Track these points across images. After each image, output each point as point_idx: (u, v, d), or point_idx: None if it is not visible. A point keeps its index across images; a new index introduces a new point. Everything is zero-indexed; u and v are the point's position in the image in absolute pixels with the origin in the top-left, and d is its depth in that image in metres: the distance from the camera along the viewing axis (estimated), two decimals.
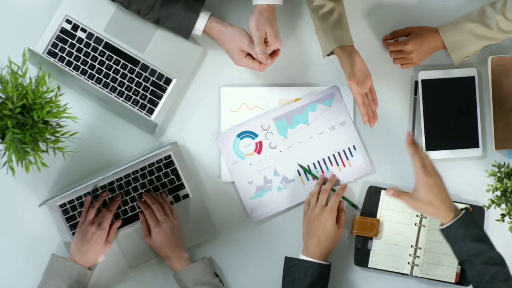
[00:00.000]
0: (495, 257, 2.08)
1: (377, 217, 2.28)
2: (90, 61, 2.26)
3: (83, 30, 2.26)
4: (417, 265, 2.26)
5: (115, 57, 2.26)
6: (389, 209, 2.28)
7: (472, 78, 2.30)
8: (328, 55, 2.18)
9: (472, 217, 2.10)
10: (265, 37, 2.18)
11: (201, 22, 2.21)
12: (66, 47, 2.26)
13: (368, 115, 2.17)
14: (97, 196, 2.26)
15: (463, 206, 2.26)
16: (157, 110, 2.27)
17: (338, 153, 2.30)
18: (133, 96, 2.27)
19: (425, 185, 2.09)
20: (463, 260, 2.09)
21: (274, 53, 2.22)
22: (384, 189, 2.28)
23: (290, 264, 2.20)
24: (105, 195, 2.25)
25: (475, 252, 2.06)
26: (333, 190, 2.27)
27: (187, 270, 2.20)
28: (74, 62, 2.26)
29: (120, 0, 2.22)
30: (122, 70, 2.27)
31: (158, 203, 2.25)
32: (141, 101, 2.27)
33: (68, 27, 2.26)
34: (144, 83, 2.27)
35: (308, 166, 2.30)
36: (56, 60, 2.25)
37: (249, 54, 2.21)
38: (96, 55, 2.26)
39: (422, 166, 2.10)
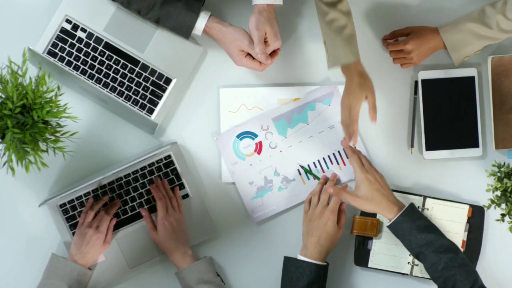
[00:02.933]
0: (446, 244, 2.10)
1: (377, 217, 2.28)
2: (90, 61, 2.26)
3: (83, 30, 2.26)
4: (417, 265, 2.26)
5: (115, 57, 2.27)
6: None
7: (472, 78, 2.30)
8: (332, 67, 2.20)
9: (416, 209, 2.14)
10: (265, 36, 2.18)
11: (201, 21, 2.21)
12: (66, 47, 2.26)
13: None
14: (98, 197, 2.26)
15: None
16: (157, 110, 2.27)
17: (338, 151, 2.30)
18: (133, 96, 2.27)
19: (365, 181, 2.17)
20: (416, 253, 2.12)
21: (274, 53, 2.22)
22: None
23: (288, 264, 2.20)
24: (105, 198, 2.25)
25: (425, 242, 2.10)
26: None
27: (190, 269, 2.20)
28: (74, 62, 2.26)
29: (121, 0, 2.22)
30: (122, 70, 2.27)
31: (169, 196, 2.25)
32: (141, 101, 2.27)
33: (68, 27, 2.26)
34: (144, 83, 2.27)
35: (308, 165, 2.30)
36: (56, 60, 2.26)
37: (249, 54, 2.21)
38: (96, 55, 2.26)
39: (360, 165, 2.19)
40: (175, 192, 2.27)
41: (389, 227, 2.15)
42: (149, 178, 2.27)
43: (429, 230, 2.11)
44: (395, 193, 2.27)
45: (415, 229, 2.11)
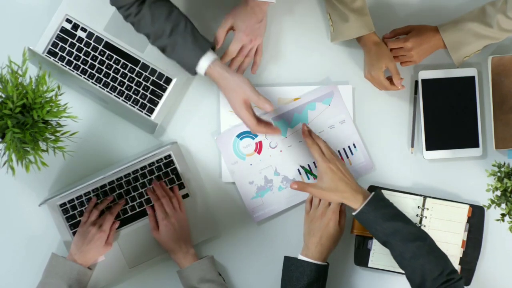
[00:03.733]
0: (413, 232, 2.09)
1: None
2: (90, 61, 2.26)
3: (83, 30, 2.26)
4: None
5: (115, 56, 2.27)
6: None
7: (472, 78, 2.30)
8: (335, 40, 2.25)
9: (382, 198, 2.13)
10: (233, 28, 2.20)
11: (205, 61, 2.13)
12: (66, 46, 2.26)
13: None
14: (98, 196, 2.26)
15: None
16: (157, 109, 2.27)
17: (339, 151, 2.30)
18: (133, 96, 2.27)
19: (327, 171, 2.15)
20: (383, 242, 2.11)
21: (268, 126, 2.18)
22: (384, 188, 2.28)
23: (289, 263, 2.19)
24: (110, 198, 2.25)
25: (391, 231, 2.09)
26: None
27: (192, 267, 2.20)
28: (74, 61, 2.26)
29: (131, 20, 2.15)
30: (122, 70, 2.27)
31: (168, 196, 2.25)
32: (141, 100, 2.27)
33: (68, 26, 2.26)
34: (144, 83, 2.27)
35: (308, 165, 2.30)
36: (56, 59, 2.26)
37: (250, 108, 2.15)
38: (96, 54, 2.26)
39: (321, 154, 2.16)
40: (174, 191, 2.26)
41: (355, 217, 2.14)
42: (149, 177, 2.27)
43: (396, 218, 2.11)
44: (395, 193, 2.27)
45: (381, 218, 2.10)
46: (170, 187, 2.27)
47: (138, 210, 2.27)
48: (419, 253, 2.06)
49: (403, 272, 2.26)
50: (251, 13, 2.17)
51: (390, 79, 2.23)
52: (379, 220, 2.10)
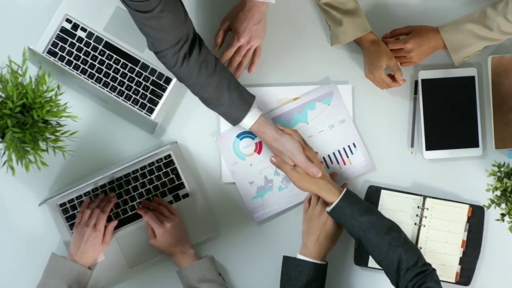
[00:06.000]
0: (387, 225, 2.12)
1: None
2: (90, 60, 2.26)
3: (83, 30, 2.26)
4: None
5: (115, 56, 2.27)
6: (389, 208, 2.27)
7: (472, 78, 2.30)
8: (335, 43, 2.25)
9: (353, 193, 2.16)
10: (229, 28, 2.22)
11: (250, 120, 2.15)
12: (66, 46, 2.26)
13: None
14: (98, 196, 2.26)
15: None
16: (157, 109, 2.27)
17: (338, 151, 2.30)
18: (133, 96, 2.27)
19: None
20: (358, 237, 2.13)
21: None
22: (384, 188, 2.28)
23: (288, 263, 2.19)
24: (101, 197, 2.25)
25: (368, 225, 2.11)
26: None
27: (192, 267, 2.20)
28: (74, 61, 2.26)
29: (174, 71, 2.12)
30: (122, 70, 2.27)
31: (155, 207, 2.24)
32: (141, 100, 2.27)
33: (68, 26, 2.26)
34: (144, 83, 2.27)
35: None
36: (56, 59, 2.26)
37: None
38: (96, 54, 2.26)
39: (303, 144, 2.19)
40: (155, 201, 2.26)
41: (330, 212, 2.15)
42: (149, 177, 2.27)
43: (370, 212, 2.12)
44: (395, 193, 2.27)
45: (357, 212, 2.12)
46: (147, 198, 2.26)
47: (137, 210, 2.27)
48: (396, 244, 2.09)
49: None
50: (248, 14, 2.18)
51: (391, 76, 2.23)
52: (356, 214, 2.12)
